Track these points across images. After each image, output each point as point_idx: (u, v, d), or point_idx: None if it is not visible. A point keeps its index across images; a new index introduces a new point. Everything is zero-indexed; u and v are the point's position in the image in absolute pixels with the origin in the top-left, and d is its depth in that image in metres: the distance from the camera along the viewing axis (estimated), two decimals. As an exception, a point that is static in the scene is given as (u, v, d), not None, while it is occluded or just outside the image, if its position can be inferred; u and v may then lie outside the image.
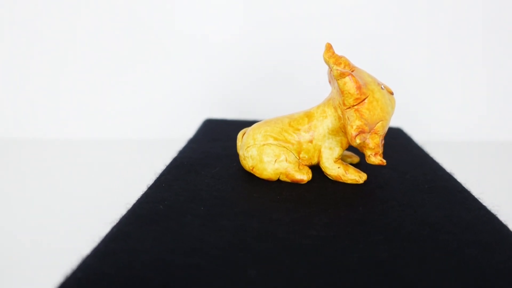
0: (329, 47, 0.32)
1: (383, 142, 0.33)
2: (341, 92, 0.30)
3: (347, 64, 0.32)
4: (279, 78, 0.69)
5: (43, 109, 0.68)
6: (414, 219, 0.26)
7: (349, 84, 0.29)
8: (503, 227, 0.25)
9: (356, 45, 0.67)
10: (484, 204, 0.29)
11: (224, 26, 0.67)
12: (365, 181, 0.33)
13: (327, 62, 0.32)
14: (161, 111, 0.69)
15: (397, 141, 0.45)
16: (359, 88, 0.29)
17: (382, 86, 0.31)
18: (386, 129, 0.31)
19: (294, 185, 0.32)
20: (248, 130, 0.35)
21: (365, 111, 0.29)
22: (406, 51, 0.69)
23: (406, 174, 0.35)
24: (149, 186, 0.31)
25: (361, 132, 0.29)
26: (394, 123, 0.62)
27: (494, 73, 0.70)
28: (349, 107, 0.30)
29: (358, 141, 0.29)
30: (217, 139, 0.44)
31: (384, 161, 0.32)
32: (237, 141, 0.36)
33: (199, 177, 0.33)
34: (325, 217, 0.26)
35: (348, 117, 0.30)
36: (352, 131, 0.29)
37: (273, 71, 0.68)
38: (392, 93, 0.32)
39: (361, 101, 0.29)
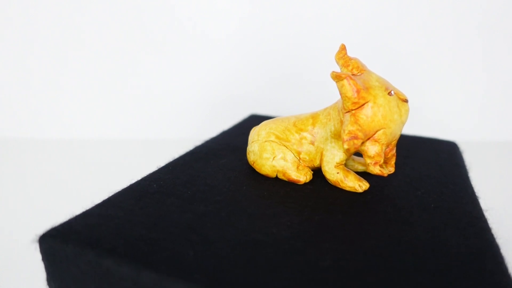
0: (342, 48, 0.32)
1: (393, 152, 0.31)
2: (340, 95, 0.29)
3: (356, 66, 0.30)
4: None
5: (44, 109, 0.66)
6: (390, 236, 0.24)
7: (346, 87, 0.28)
8: (494, 259, 0.22)
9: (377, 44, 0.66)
10: (495, 235, 0.25)
11: (260, 24, 0.67)
12: (365, 191, 0.31)
13: (337, 63, 0.32)
14: (213, 106, 0.72)
15: (438, 156, 0.41)
16: (358, 91, 0.28)
17: (392, 92, 0.29)
18: (391, 138, 0.29)
19: (290, 185, 0.32)
20: (258, 126, 0.36)
21: (362, 117, 0.28)
22: (406, 51, 0.65)
23: (419, 190, 0.31)
24: (159, 167, 0.35)
25: (353, 138, 0.28)
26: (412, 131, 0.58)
27: (494, 73, 0.65)
28: (348, 111, 0.29)
29: (346, 146, 0.28)
30: (245, 133, 0.46)
31: (385, 172, 0.30)
32: (249, 136, 0.37)
33: (204, 165, 0.35)
34: (296, 218, 0.26)
35: (344, 121, 0.29)
36: (344, 136, 0.28)
37: (317, 69, 0.67)
38: (405, 101, 0.30)
39: (360, 106, 0.28)
